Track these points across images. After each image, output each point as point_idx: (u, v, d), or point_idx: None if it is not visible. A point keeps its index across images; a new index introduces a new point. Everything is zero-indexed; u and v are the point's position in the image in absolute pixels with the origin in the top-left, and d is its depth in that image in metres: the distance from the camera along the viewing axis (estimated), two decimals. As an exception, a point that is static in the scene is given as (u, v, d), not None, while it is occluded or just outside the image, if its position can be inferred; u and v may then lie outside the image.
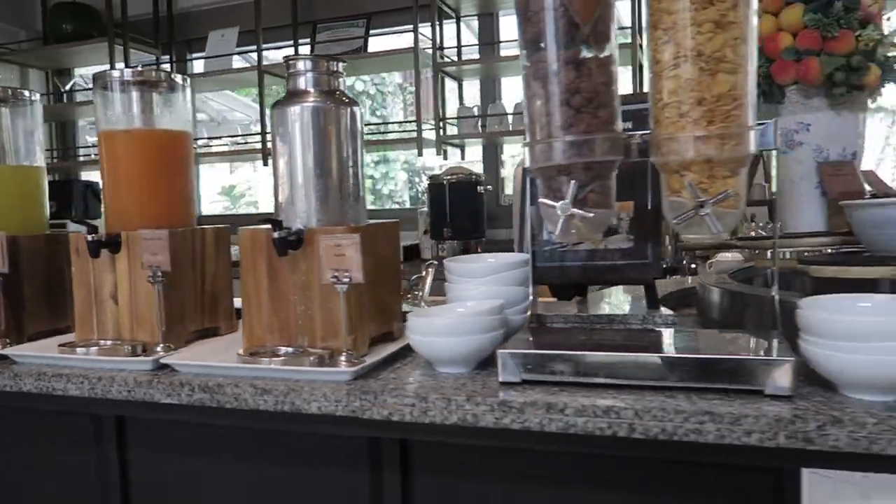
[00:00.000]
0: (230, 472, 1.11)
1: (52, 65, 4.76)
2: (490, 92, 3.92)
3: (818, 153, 1.23)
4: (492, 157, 3.99)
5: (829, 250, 1.07)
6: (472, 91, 4.01)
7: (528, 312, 1.07)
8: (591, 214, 0.83)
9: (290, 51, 4.04)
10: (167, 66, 4.43)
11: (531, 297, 1.07)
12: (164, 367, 1.08)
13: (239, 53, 4.03)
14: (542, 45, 0.85)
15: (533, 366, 0.87)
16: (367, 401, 0.90)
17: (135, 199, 1.21)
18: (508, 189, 3.96)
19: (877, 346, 0.72)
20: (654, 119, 0.84)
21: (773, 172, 1.01)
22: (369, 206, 4.66)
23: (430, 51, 3.57)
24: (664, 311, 1.14)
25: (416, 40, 3.49)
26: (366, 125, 4.29)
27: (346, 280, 1.00)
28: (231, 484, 1.11)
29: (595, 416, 0.79)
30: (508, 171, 4.05)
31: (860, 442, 0.70)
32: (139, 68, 1.25)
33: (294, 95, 1.10)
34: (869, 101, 1.23)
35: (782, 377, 0.77)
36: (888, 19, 1.30)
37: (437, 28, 3.58)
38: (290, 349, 1.07)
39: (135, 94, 1.23)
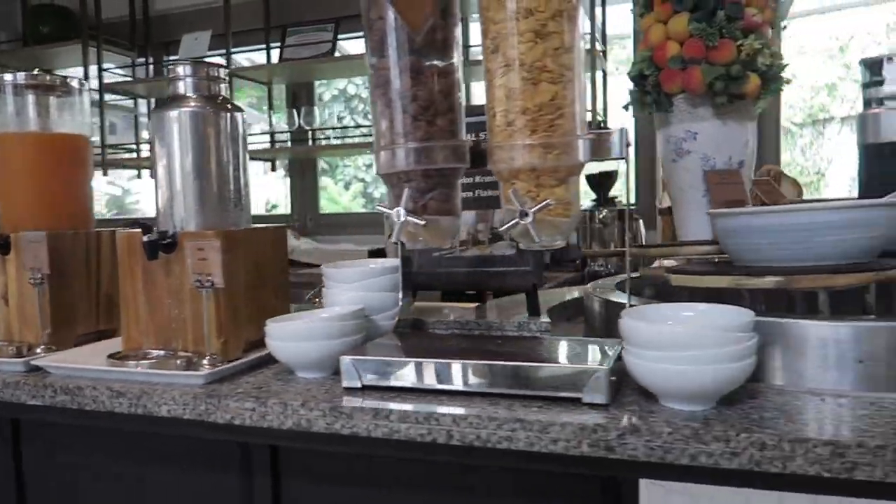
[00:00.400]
0: (116, 472, 1.11)
1: (33, 66, 4.79)
2: (460, 96, 3.92)
3: (705, 162, 1.23)
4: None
5: (691, 258, 1.08)
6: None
7: (396, 318, 1.07)
8: (423, 222, 0.84)
9: (262, 54, 4.06)
10: (142, 68, 4.46)
11: (401, 303, 1.07)
12: (39, 369, 1.09)
13: (210, 57, 4.05)
14: (383, 52, 0.86)
15: (372, 372, 0.88)
16: (212, 405, 0.90)
17: (24, 201, 1.22)
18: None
19: (679, 355, 0.72)
20: (489, 128, 0.84)
21: (631, 180, 1.01)
22: (360, 210, 4.66)
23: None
24: (543, 319, 1.14)
25: (381, 45, 3.50)
26: (336, 129, 4.30)
27: (209, 284, 1.01)
28: (113, 485, 1.12)
29: (416, 423, 0.80)
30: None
31: (655, 451, 0.71)
32: (35, 72, 1.25)
33: (174, 100, 1.11)
34: (755, 110, 1.23)
35: (596, 386, 0.77)
36: (784, 27, 1.30)
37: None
38: (161, 352, 1.08)
39: (29, 98, 1.24)
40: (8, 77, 1.24)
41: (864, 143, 1.81)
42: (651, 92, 1.24)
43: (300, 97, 4.30)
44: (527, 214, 0.79)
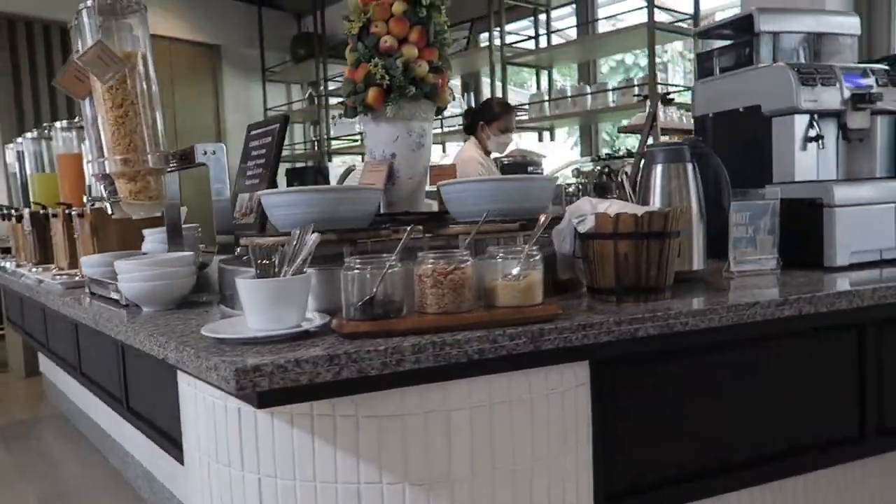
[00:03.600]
0: None
1: (304, 78, 6.31)
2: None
3: (370, 153, 1.60)
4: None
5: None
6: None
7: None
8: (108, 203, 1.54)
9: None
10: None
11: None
12: None
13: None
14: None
15: None
16: None
17: None
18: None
19: (126, 276, 1.31)
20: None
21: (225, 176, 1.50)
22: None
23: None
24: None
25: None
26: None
27: None
28: None
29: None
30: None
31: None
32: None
33: None
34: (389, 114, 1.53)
35: (120, 294, 1.39)
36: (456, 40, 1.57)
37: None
38: None
39: None
40: None
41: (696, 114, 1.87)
42: (348, 103, 1.67)
43: (469, 86, 4.97)
44: (107, 201, 1.44)
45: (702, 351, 1.18)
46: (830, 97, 1.52)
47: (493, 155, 3.81)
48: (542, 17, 4.23)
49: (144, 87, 1.44)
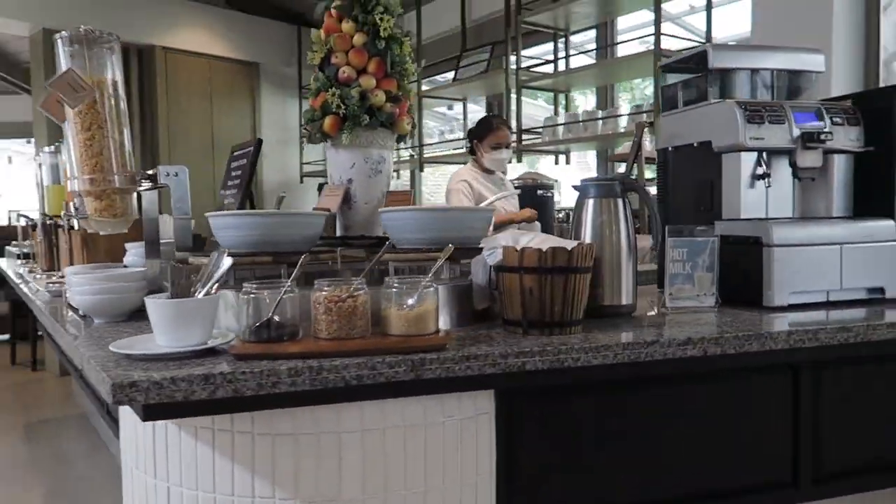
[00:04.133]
0: None
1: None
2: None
3: (329, 178, 1.66)
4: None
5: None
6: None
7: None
8: (75, 217, 1.65)
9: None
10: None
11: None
12: None
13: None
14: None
15: None
16: None
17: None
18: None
19: (77, 289, 1.40)
20: (89, 170, 1.61)
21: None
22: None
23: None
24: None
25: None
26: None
27: None
28: None
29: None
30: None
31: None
32: None
33: None
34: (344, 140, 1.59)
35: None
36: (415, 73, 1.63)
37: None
38: None
39: None
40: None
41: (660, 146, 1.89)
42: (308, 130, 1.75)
43: (493, 108, 5.01)
44: (75, 217, 1.54)
45: (609, 388, 1.19)
46: (778, 135, 1.51)
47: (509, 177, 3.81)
48: (563, 41, 4.27)
49: (114, 111, 1.55)
